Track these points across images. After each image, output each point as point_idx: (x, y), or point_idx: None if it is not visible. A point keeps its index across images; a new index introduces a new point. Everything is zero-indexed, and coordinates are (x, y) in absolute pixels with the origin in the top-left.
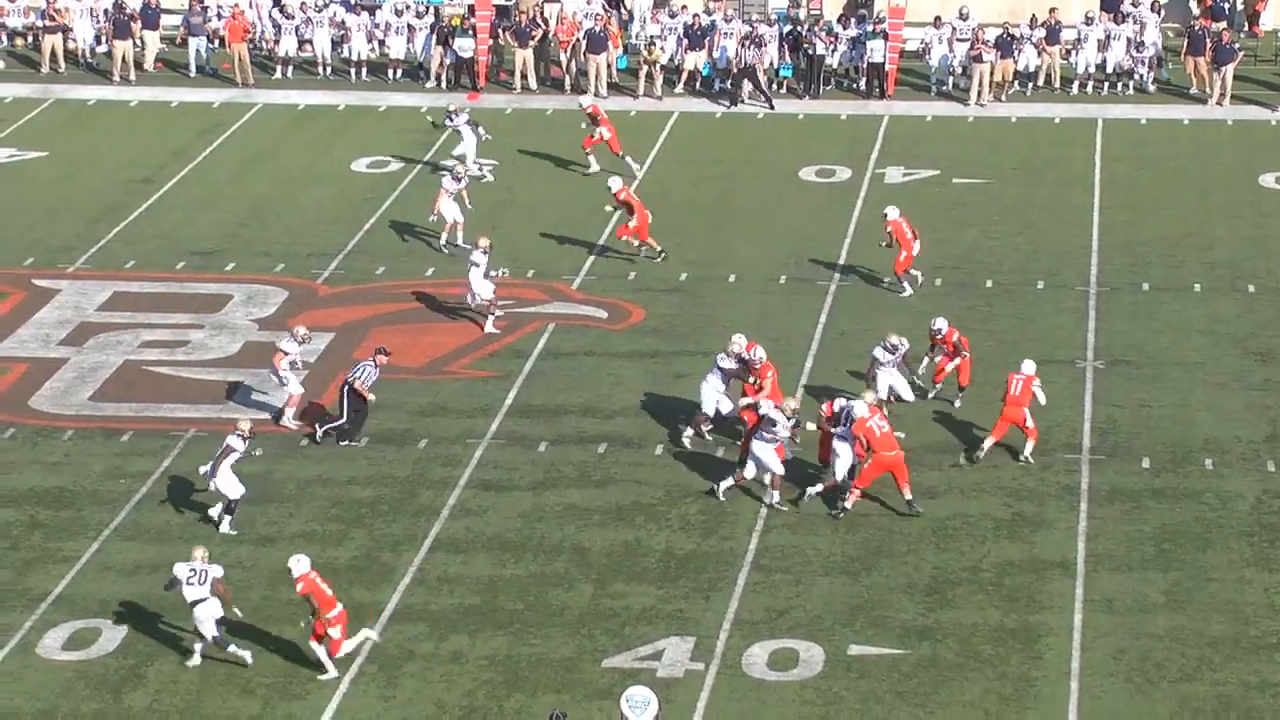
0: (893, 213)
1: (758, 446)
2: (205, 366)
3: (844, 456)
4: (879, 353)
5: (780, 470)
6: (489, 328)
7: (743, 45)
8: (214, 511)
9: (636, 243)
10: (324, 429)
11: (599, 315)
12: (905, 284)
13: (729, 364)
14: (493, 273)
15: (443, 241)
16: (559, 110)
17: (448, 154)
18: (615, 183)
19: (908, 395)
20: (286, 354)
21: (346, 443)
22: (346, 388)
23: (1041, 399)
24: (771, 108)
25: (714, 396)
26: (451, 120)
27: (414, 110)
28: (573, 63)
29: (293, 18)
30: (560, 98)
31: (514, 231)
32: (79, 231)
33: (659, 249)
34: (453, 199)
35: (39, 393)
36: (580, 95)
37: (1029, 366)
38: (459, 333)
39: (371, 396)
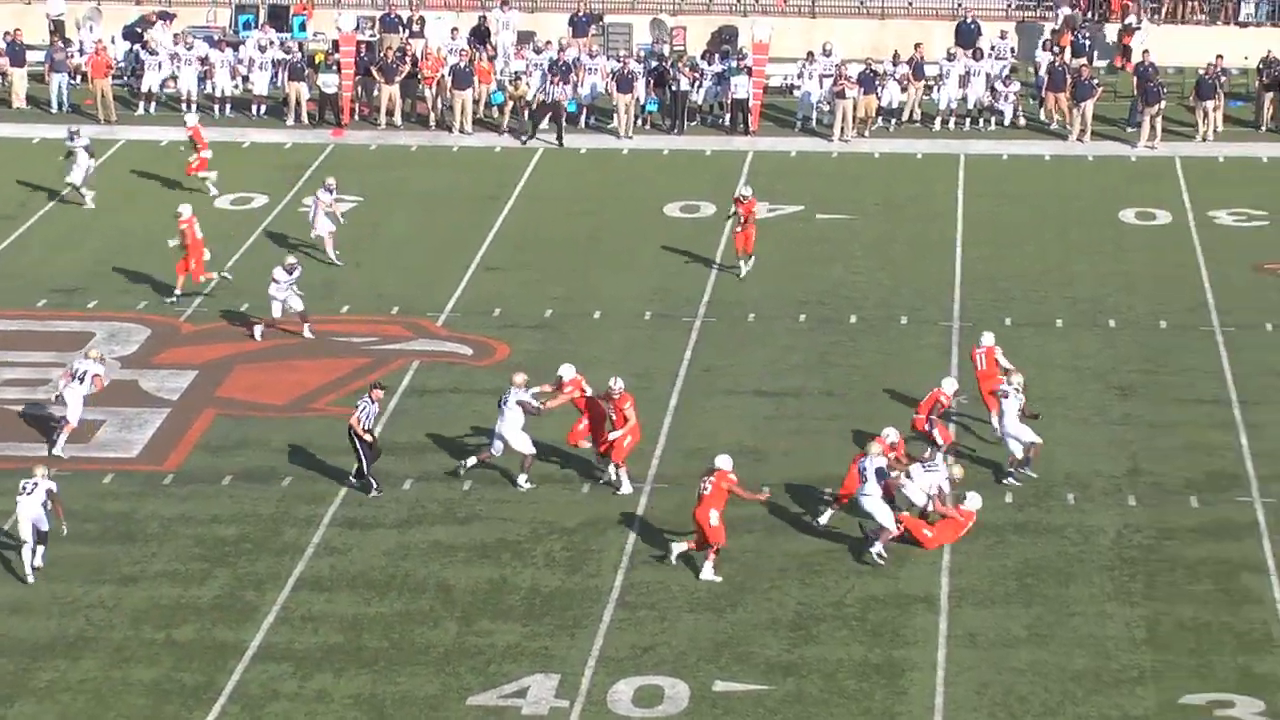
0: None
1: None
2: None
3: (881, 511)
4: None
5: (529, 450)
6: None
7: (550, 80)
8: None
9: (204, 279)
10: (355, 478)
11: (463, 352)
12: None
13: (524, 397)
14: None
15: (333, 256)
16: (424, 146)
17: (309, 191)
18: (185, 210)
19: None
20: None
21: (375, 493)
22: (350, 431)
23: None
24: (560, 145)
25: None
26: (72, 141)
27: (278, 146)
28: (439, 99)
29: (156, 53)
30: (425, 134)
31: (378, 267)
32: None
33: (208, 280)
34: (326, 213)
35: None
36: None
37: (988, 338)
38: (323, 370)
39: (369, 436)
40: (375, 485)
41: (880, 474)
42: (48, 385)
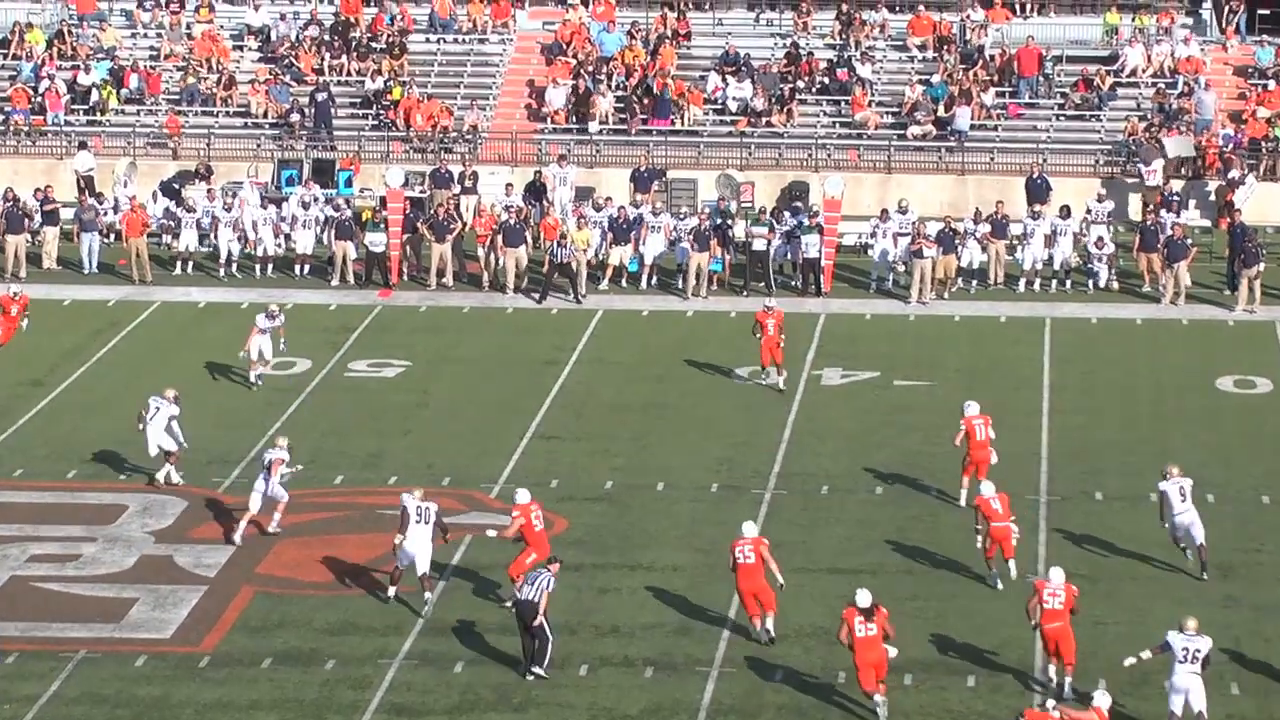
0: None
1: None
2: (98, 582)
3: None
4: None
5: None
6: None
7: (559, 244)
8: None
9: None
10: (535, 666)
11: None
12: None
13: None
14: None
15: (252, 377)
16: (476, 308)
17: (356, 356)
18: None
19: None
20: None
21: (538, 670)
22: (523, 605)
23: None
24: (579, 302)
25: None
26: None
27: (322, 308)
28: (492, 257)
29: (194, 210)
30: (477, 294)
31: (427, 436)
32: None
33: None
34: (268, 335)
35: None
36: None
37: (973, 407)
38: (369, 546)
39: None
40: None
41: None
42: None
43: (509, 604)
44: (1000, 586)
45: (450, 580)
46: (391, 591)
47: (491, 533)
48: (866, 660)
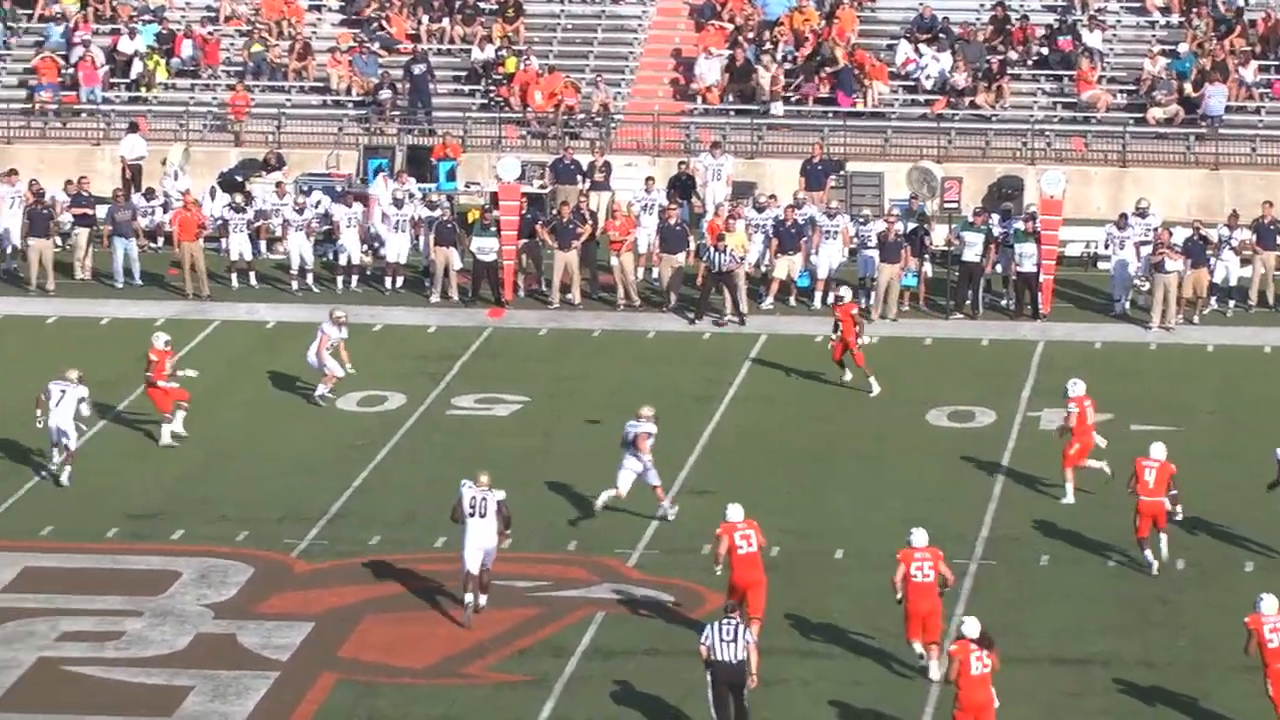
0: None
1: None
2: (144, 666)
3: None
4: None
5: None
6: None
7: (716, 249)
8: None
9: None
10: None
11: (663, 600)
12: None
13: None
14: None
15: (319, 394)
16: (610, 331)
17: (461, 389)
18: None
19: None
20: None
21: None
22: (723, 667)
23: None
24: (742, 323)
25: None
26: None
27: (419, 330)
28: (628, 267)
29: (243, 211)
30: (611, 314)
31: (549, 490)
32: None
33: None
34: (330, 351)
35: None
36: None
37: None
38: (479, 623)
39: None
40: None
41: None
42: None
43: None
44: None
45: (577, 667)
46: (469, 599)
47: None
48: (973, 700)
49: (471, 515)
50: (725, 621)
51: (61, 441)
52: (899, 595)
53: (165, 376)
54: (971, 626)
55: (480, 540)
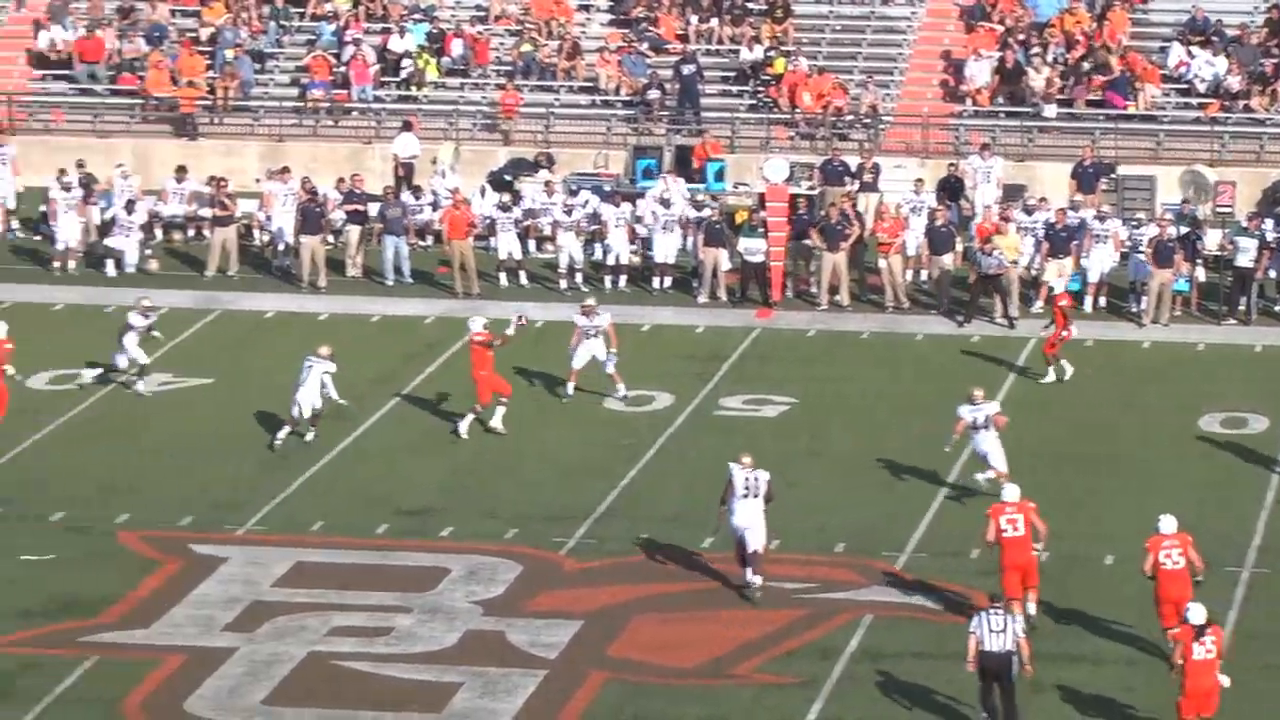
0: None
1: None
2: (413, 662)
3: None
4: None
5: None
6: None
7: (982, 250)
8: None
9: None
10: None
11: (932, 607)
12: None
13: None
14: None
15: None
16: (879, 334)
17: (729, 390)
18: None
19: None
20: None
21: None
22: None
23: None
24: (1011, 326)
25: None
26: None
27: (687, 331)
28: (895, 269)
29: (509, 210)
30: (879, 316)
31: (818, 492)
32: (252, 482)
33: None
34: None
35: (197, 693)
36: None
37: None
38: (746, 624)
39: None
40: None
41: None
42: None
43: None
44: None
45: (845, 670)
46: (750, 576)
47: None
48: (1198, 687)
49: (745, 496)
50: (993, 612)
51: (302, 414)
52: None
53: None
54: (1197, 613)
55: (753, 519)
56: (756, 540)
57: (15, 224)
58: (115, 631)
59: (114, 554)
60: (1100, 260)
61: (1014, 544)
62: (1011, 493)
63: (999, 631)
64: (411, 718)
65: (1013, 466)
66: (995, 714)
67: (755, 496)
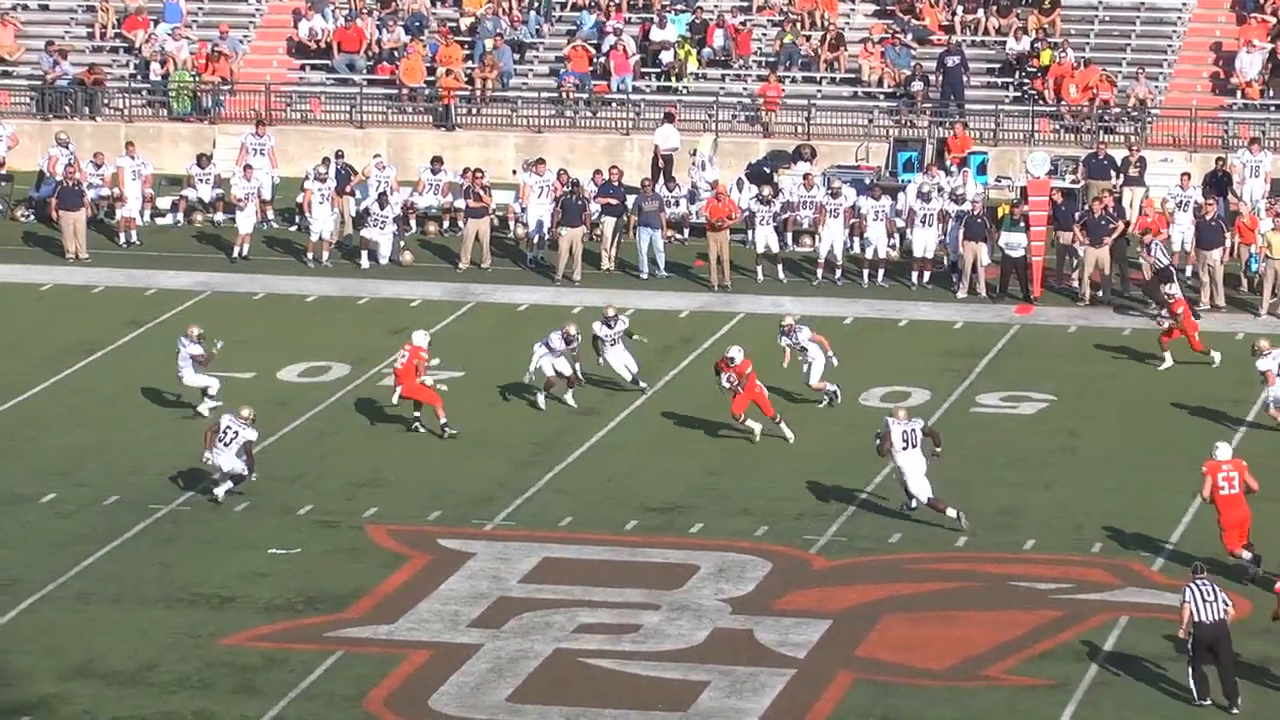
0: None
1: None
2: (660, 660)
3: None
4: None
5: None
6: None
7: (1149, 250)
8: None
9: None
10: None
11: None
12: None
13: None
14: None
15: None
16: (1140, 330)
17: (986, 386)
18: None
19: None
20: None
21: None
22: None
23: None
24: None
25: None
26: None
27: (945, 326)
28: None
29: (769, 203)
30: (1137, 317)
31: (1074, 490)
32: (501, 477)
33: None
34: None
35: (442, 689)
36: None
37: (1224, 451)
38: (999, 625)
39: None
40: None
41: None
42: None
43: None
44: None
45: (1098, 673)
46: (954, 514)
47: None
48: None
49: (905, 448)
50: (1201, 581)
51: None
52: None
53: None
54: (1224, 450)
55: (919, 468)
56: (924, 490)
57: (272, 214)
58: (361, 627)
59: (361, 548)
60: None
61: (1230, 501)
62: (1225, 451)
63: (1210, 601)
64: (657, 716)
65: (1274, 464)
66: (1205, 684)
67: (915, 447)
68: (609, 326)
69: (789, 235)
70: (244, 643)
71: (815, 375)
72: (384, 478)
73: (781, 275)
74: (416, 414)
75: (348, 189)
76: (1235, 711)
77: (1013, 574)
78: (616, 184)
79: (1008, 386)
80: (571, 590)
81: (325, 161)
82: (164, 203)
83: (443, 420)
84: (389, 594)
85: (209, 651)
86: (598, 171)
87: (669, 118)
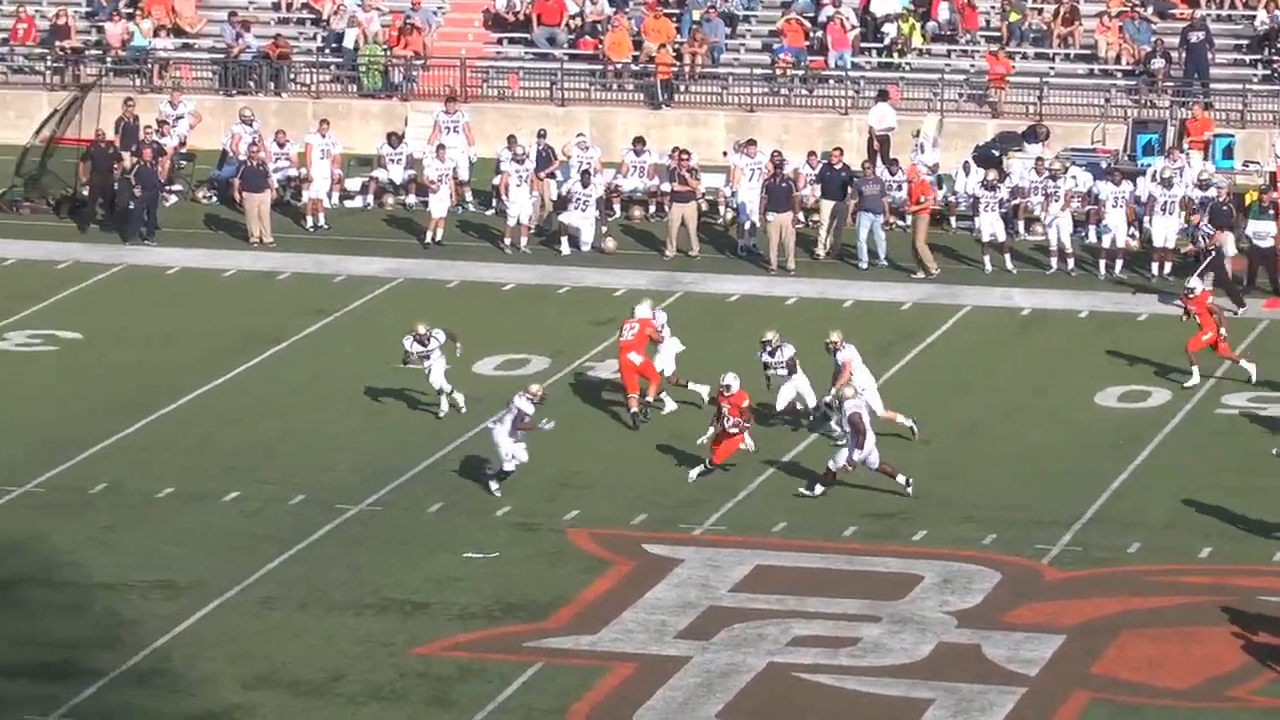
0: None
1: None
2: (880, 676)
3: None
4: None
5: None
6: None
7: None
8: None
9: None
10: None
11: None
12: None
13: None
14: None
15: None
16: None
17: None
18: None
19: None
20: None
21: None
22: None
23: None
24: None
25: None
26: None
27: (1176, 321)
28: None
29: (994, 189)
30: None
31: None
32: (711, 479)
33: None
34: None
35: (647, 704)
36: None
37: None
38: (1245, 644)
39: None
40: None
41: None
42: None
43: None
44: None
45: None
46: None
47: None
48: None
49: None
50: None
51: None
52: None
53: None
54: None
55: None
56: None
57: (469, 195)
58: (562, 636)
59: (562, 553)
60: None
61: None
62: None
63: None
64: None
65: None
66: None
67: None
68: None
69: (1020, 223)
70: (438, 652)
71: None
72: (587, 478)
73: (1010, 265)
74: (648, 401)
75: (548, 171)
76: None
77: (1259, 587)
78: (835, 166)
79: (1255, 387)
80: (786, 600)
81: (511, 140)
82: (353, 184)
83: (651, 399)
84: (591, 602)
85: (401, 661)
86: (811, 153)
87: (883, 95)
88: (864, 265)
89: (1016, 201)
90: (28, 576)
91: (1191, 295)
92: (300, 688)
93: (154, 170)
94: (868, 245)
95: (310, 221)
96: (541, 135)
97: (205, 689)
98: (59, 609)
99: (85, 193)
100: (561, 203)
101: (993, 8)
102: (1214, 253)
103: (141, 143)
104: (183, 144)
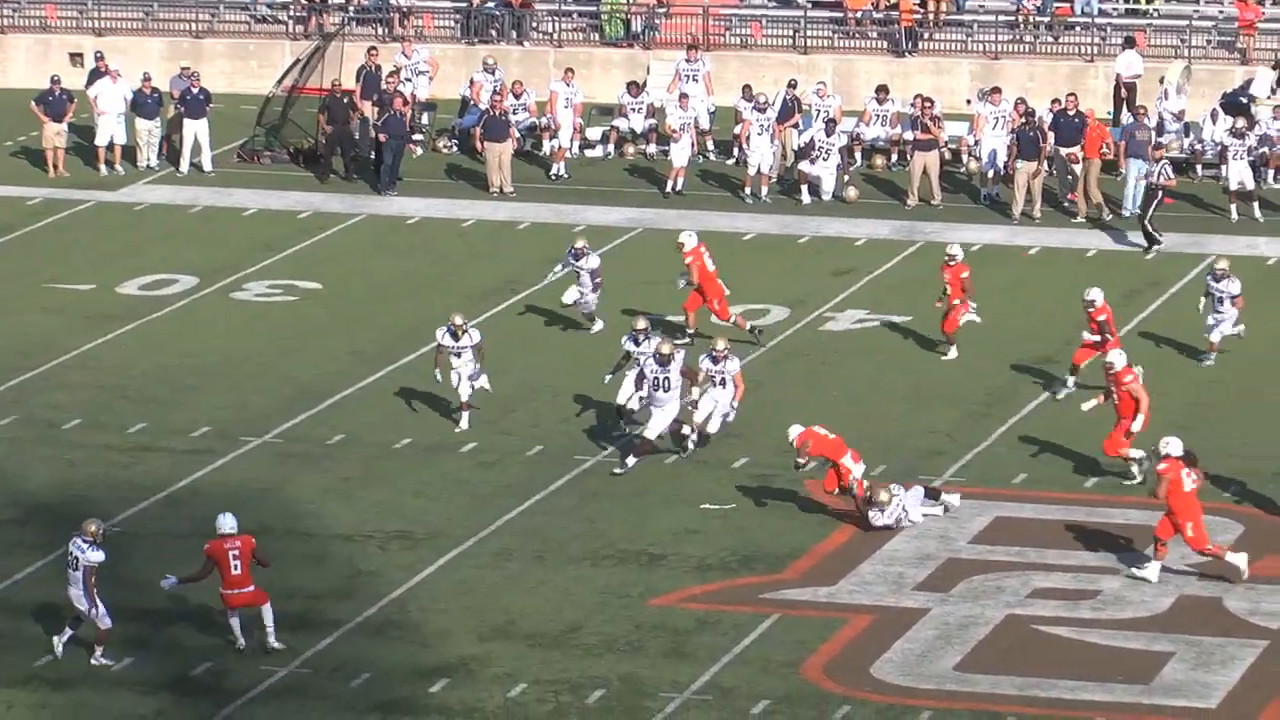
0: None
1: None
2: (1120, 629)
3: None
4: None
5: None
6: None
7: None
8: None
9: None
10: None
11: None
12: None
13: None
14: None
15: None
16: None
17: None
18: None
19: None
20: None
21: None
22: None
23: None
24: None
25: None
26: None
27: None
28: None
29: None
30: None
31: None
32: (951, 429)
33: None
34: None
35: (885, 657)
36: None
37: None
38: None
39: None
40: None
41: None
42: None
43: None
44: None
45: None
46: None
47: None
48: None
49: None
50: None
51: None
52: None
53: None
54: (1175, 446)
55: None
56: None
57: (710, 145)
58: (799, 588)
59: (799, 504)
60: None
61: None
62: None
63: None
64: (1117, 688)
65: None
66: None
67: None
68: (715, 364)
69: (1270, 171)
70: (675, 604)
71: (711, 416)
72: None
73: (1259, 214)
74: None
75: (792, 121)
76: None
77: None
78: (1074, 113)
79: None
80: (1025, 552)
81: (746, 90)
82: (594, 133)
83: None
84: (828, 554)
85: (638, 612)
86: (1054, 101)
87: (1129, 42)
88: (1127, 213)
89: (1264, 150)
90: (268, 527)
91: (951, 263)
92: (537, 639)
93: (402, 120)
94: (1132, 192)
95: (554, 170)
96: (792, 85)
97: (441, 640)
98: (298, 559)
99: (323, 142)
100: (803, 152)
101: None
102: None
103: (388, 92)
104: (422, 95)
